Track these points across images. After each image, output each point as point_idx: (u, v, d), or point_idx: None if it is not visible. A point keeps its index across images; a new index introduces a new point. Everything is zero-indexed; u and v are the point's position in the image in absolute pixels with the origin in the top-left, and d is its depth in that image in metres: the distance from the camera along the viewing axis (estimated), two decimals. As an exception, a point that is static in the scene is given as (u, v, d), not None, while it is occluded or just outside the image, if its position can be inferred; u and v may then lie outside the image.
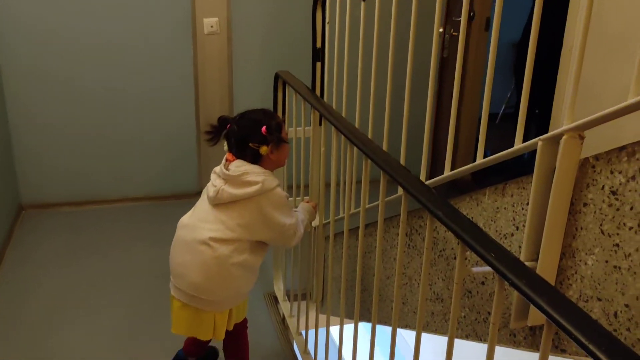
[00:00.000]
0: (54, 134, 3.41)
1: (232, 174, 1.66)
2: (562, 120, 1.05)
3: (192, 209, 1.81)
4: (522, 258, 1.15)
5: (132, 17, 3.32)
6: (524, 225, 1.22)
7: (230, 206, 1.68)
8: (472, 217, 1.42)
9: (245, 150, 1.70)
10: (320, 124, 2.09)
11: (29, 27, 3.19)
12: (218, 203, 1.68)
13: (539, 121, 3.15)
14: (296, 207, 2.04)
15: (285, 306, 2.50)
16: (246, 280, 1.76)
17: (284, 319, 2.51)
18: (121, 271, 2.87)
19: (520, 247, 1.21)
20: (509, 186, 1.27)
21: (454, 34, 3.19)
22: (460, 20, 1.35)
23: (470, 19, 3.26)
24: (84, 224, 3.36)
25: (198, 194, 1.87)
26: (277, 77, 2.30)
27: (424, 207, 1.16)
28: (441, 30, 3.13)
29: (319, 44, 2.34)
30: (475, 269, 1.18)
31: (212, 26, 3.40)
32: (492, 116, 4.86)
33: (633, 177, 0.95)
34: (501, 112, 4.43)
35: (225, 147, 1.78)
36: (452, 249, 1.51)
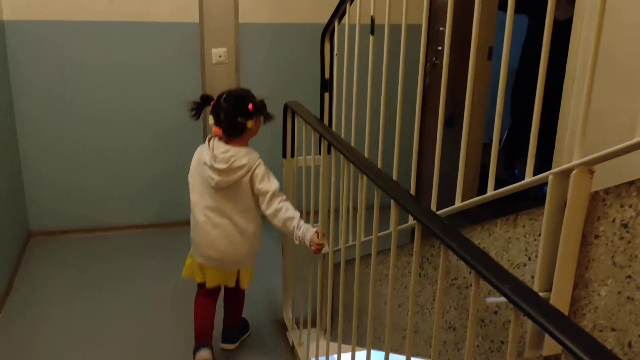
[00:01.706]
0: (64, 160, 3.46)
1: (222, 168, 2.02)
2: (572, 153, 1.08)
3: (194, 190, 2.18)
4: (535, 288, 1.17)
5: (142, 47, 3.40)
6: (536, 256, 1.24)
7: (232, 186, 2.06)
8: (484, 247, 1.44)
9: (234, 125, 2.04)
10: (329, 153, 2.13)
11: (41, 51, 3.26)
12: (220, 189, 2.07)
13: (542, 150, 3.17)
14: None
15: (294, 334, 2.51)
16: (257, 242, 2.23)
17: (293, 347, 2.51)
18: (131, 301, 2.88)
19: (532, 277, 1.23)
20: (521, 217, 1.29)
21: (435, 62, 3.24)
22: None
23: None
24: (92, 251, 3.38)
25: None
26: (286, 107, 2.34)
27: (438, 238, 1.18)
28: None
29: (327, 75, 2.40)
30: (489, 300, 1.20)
31: (220, 56, 3.47)
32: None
33: (643, 211, 0.97)
34: (504, 137, 4.46)
35: (211, 122, 2.08)
36: (464, 277, 1.53)
